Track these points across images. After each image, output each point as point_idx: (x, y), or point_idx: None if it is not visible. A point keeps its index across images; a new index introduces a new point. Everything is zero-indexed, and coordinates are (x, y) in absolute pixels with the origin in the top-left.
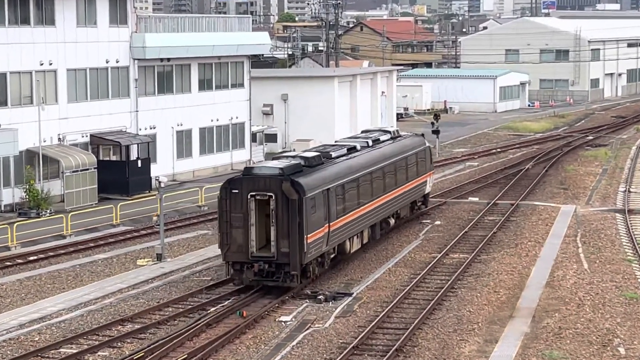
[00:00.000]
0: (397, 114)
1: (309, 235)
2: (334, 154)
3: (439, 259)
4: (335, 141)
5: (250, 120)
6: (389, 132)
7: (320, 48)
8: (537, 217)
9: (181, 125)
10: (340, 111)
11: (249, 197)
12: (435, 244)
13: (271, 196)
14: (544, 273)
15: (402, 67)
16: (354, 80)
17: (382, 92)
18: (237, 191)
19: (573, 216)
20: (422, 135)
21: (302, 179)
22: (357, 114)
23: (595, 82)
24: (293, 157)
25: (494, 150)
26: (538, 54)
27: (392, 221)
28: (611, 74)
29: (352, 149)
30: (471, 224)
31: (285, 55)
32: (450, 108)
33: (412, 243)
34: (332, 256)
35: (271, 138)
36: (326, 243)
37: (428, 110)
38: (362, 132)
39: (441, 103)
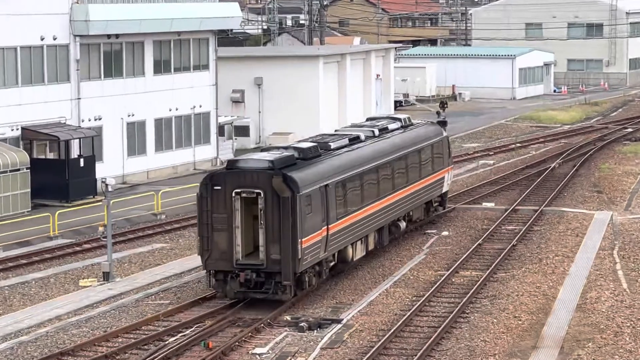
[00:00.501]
0: (396, 102)
1: (303, 240)
2: (333, 145)
3: (446, 278)
4: (335, 130)
5: (216, 109)
6: (399, 119)
7: (301, 22)
8: (566, 227)
9: (133, 115)
10: (326, 98)
11: (233, 194)
12: (443, 260)
13: (259, 193)
14: (574, 294)
15: (401, 45)
16: (342, 61)
17: (377, 75)
18: (219, 188)
19: (609, 225)
20: (439, 122)
21: (295, 173)
22: (347, 102)
23: (635, 63)
24: (285, 148)
25: (513, 146)
26: (565, 29)
27: (402, 224)
28: None
29: (355, 140)
30: (486, 234)
31: (259, 31)
32: (460, 94)
33: (414, 258)
34: (331, 264)
35: (242, 131)
36: (324, 249)
37: (433, 96)
38: (368, 119)
39: (449, 88)
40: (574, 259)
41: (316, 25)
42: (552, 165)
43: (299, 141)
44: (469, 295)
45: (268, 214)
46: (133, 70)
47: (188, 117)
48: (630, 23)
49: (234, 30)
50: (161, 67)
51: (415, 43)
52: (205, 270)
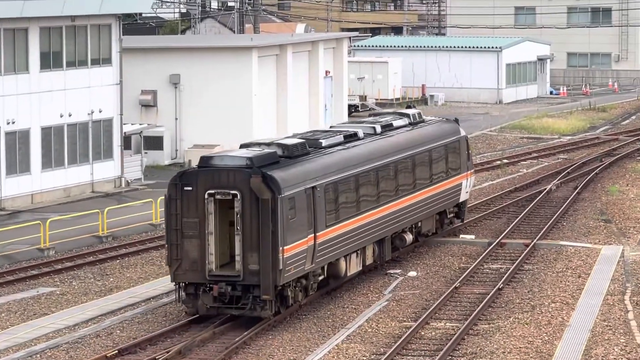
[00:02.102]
0: (350, 106)
1: (286, 248)
2: (324, 142)
3: (414, 331)
4: (331, 126)
5: (121, 115)
6: (406, 115)
7: (230, 4)
8: (565, 265)
9: (13, 123)
10: (261, 101)
11: (206, 196)
12: (409, 307)
13: (236, 195)
14: (575, 351)
15: (357, 34)
16: (282, 54)
17: (327, 73)
18: (190, 188)
19: (620, 263)
20: (456, 120)
21: (277, 172)
22: (288, 106)
23: None
24: (267, 144)
25: (498, 162)
26: (565, 14)
27: (408, 237)
28: None
29: (351, 137)
30: (464, 275)
31: (176, 16)
32: (432, 96)
33: (372, 305)
34: (320, 278)
35: (154, 143)
36: (311, 260)
37: (397, 99)
38: (371, 115)
39: (417, 89)
40: (575, 306)
41: (249, 8)
42: (548, 187)
43: (287, 137)
44: (442, 353)
45: (245, 218)
46: (14, 66)
47: (84, 125)
48: None
49: (143, 15)
50: (50, 61)
51: (375, 32)
52: (173, 283)
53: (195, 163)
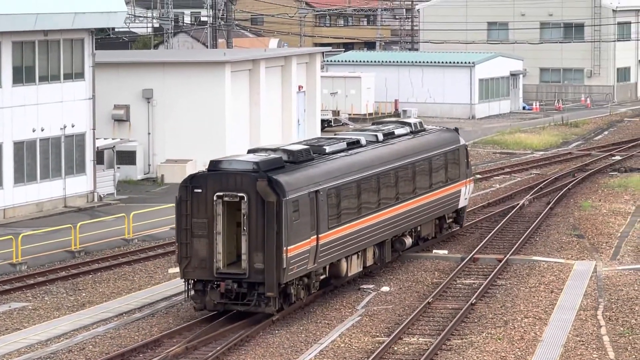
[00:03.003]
0: (323, 121)
1: (289, 248)
2: (328, 149)
3: (387, 346)
4: (335, 133)
5: (94, 130)
6: (408, 124)
7: (203, 18)
8: (538, 280)
9: None
10: (234, 116)
11: (215, 198)
12: (382, 322)
13: (243, 197)
14: None
15: (330, 49)
16: (255, 69)
17: (300, 87)
18: (200, 191)
19: (592, 278)
20: (456, 129)
21: (282, 176)
22: (261, 121)
23: (624, 73)
24: (274, 150)
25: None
26: (538, 30)
27: (408, 240)
28: None
29: (353, 144)
30: (437, 291)
31: (149, 30)
32: (404, 111)
33: (345, 320)
34: (322, 278)
35: (127, 158)
36: (313, 260)
37: (370, 114)
38: (373, 124)
39: (390, 104)
40: (548, 321)
41: (222, 23)
42: (521, 202)
43: (291, 143)
44: None
45: (252, 219)
46: None
47: (57, 139)
48: (619, 23)
49: (116, 29)
50: (22, 75)
51: (348, 46)
52: (183, 280)
53: (168, 178)
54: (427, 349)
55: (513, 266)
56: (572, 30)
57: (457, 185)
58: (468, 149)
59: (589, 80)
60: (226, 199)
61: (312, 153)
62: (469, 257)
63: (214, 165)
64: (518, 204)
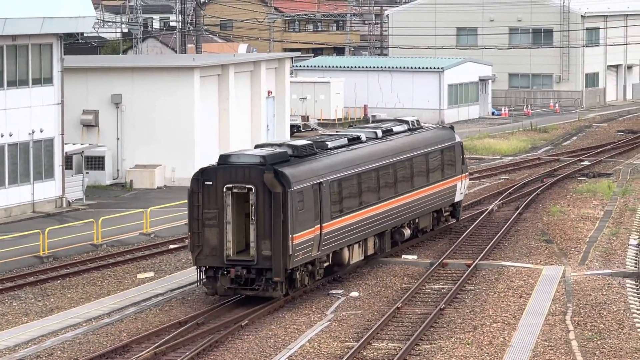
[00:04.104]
0: (292, 126)
1: (295, 236)
2: (330, 144)
3: (356, 351)
4: (336, 130)
5: (62, 135)
6: (406, 122)
7: (172, 24)
8: (506, 285)
9: None
10: (203, 121)
11: (224, 190)
12: (351, 328)
13: (251, 189)
14: None
15: (299, 55)
16: (224, 74)
17: (269, 93)
18: (210, 183)
19: (561, 283)
20: (452, 127)
21: (287, 169)
22: (230, 126)
23: (592, 79)
24: (279, 145)
25: None
26: (507, 35)
27: (406, 231)
28: (616, 67)
29: (354, 140)
30: (406, 296)
31: (118, 35)
32: (374, 116)
33: (314, 326)
34: (325, 265)
35: (96, 163)
36: (317, 248)
37: (339, 120)
38: (373, 121)
39: (359, 109)
40: (517, 326)
41: (191, 28)
42: (490, 207)
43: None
44: None
45: (259, 209)
46: None
47: (25, 145)
48: (587, 29)
49: (85, 34)
50: None
51: (318, 52)
52: (195, 267)
53: (137, 183)
54: (396, 354)
55: (482, 271)
56: (541, 36)
57: (453, 180)
58: (463, 145)
59: (557, 86)
60: (235, 190)
61: (315, 148)
62: (438, 262)
63: (224, 159)
64: (487, 209)
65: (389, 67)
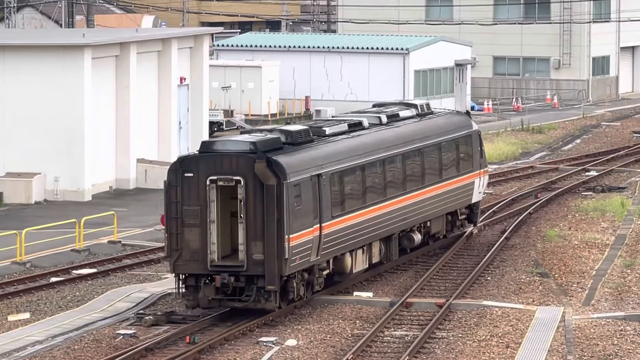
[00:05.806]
0: (212, 123)
1: (291, 236)
2: (328, 130)
3: None
4: (333, 116)
5: None
6: (414, 106)
7: None
8: (489, 332)
9: None
10: (96, 117)
11: (208, 182)
12: None
13: (239, 181)
14: None
15: (221, 31)
16: (124, 55)
17: (182, 79)
18: (191, 175)
19: (559, 329)
20: (467, 113)
21: (282, 157)
22: (131, 123)
23: (601, 65)
24: (270, 130)
25: None
26: (491, 7)
27: (417, 236)
28: (632, 49)
29: (355, 126)
30: (358, 345)
31: None
32: (318, 112)
33: None
34: (325, 273)
35: None
36: (316, 252)
37: (273, 115)
38: (374, 105)
39: (299, 102)
40: None
41: None
42: (468, 230)
43: (288, 123)
44: None
45: (249, 205)
46: None
47: None
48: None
49: None
50: None
51: (246, 27)
52: (173, 275)
53: (9, 197)
54: None
55: (457, 313)
56: (535, 8)
57: (470, 176)
58: (481, 134)
59: (556, 73)
60: (220, 183)
61: (311, 134)
62: (401, 301)
63: (206, 146)
64: (465, 233)
65: (338, 48)
